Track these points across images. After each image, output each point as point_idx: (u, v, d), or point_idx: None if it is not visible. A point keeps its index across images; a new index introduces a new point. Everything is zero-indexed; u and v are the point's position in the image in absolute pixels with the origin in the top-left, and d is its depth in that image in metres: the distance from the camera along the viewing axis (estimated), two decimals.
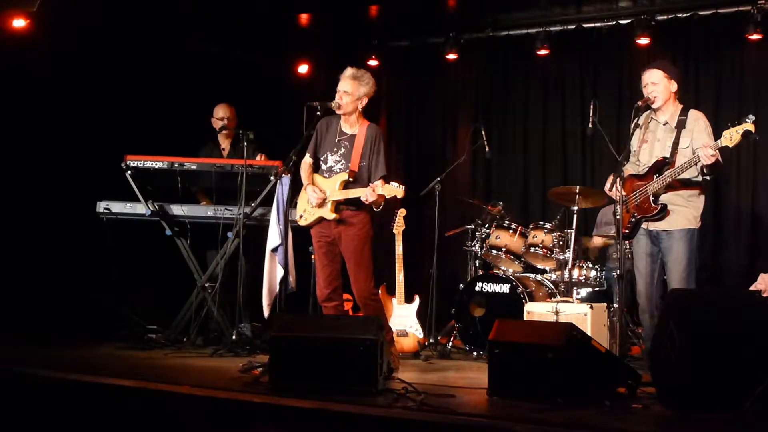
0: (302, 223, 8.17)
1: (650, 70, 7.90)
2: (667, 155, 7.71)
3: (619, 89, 11.53)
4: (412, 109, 13.00)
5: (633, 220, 7.84)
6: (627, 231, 7.91)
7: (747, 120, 7.14)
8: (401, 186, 7.75)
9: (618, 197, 7.72)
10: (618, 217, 7.83)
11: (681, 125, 7.74)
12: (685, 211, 7.70)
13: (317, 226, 8.09)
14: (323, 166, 8.12)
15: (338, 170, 8.01)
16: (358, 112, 8.15)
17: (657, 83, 7.81)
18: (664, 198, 7.69)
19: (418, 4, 11.39)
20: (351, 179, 7.93)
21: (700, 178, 7.64)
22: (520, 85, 12.35)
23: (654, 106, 7.86)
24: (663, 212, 7.66)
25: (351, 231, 7.97)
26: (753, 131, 7.09)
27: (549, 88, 12.13)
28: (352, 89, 8.01)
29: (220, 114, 10.07)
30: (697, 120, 7.74)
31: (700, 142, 7.49)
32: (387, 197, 7.73)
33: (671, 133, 7.78)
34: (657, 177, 7.68)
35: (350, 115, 8.12)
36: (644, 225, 7.82)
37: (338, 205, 7.95)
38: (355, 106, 8.08)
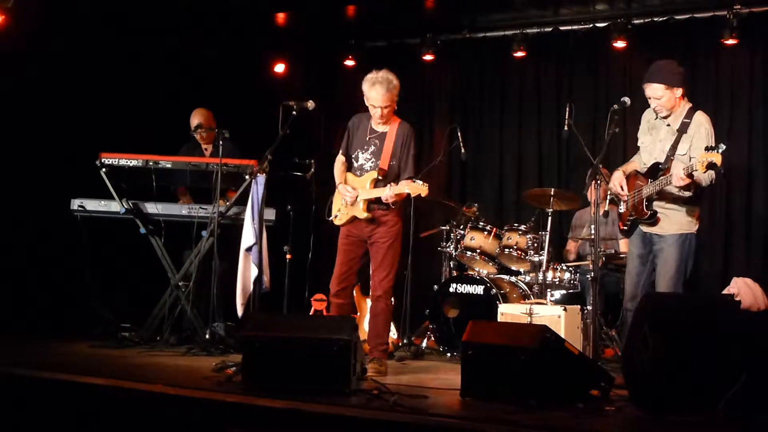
0: (337, 222, 8.23)
1: (651, 84, 7.85)
2: (662, 160, 7.78)
3: (596, 92, 11.57)
4: None
5: (630, 219, 7.99)
6: (625, 228, 8.07)
7: (717, 150, 7.10)
8: (424, 184, 7.78)
9: (593, 199, 7.80)
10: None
11: (683, 129, 7.75)
12: (679, 215, 7.78)
13: (349, 225, 8.12)
14: (355, 164, 8.18)
15: (368, 168, 8.06)
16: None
17: (660, 97, 7.80)
18: (658, 203, 7.77)
19: (394, 5, 11.39)
20: (381, 177, 7.96)
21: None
22: (497, 87, 12.36)
23: (661, 116, 7.89)
24: (653, 218, 7.77)
25: (381, 230, 8.04)
26: (719, 165, 7.07)
27: (525, 90, 12.14)
28: (389, 102, 8.01)
29: (195, 121, 10.03)
30: (700, 126, 7.73)
31: (698, 151, 7.48)
32: (412, 195, 7.77)
33: (672, 136, 7.82)
34: (651, 181, 7.77)
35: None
36: (642, 227, 7.92)
37: (370, 204, 7.98)
38: (392, 111, 8.10)
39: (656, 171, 7.78)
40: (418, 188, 7.72)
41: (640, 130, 8.22)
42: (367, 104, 8.12)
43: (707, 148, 7.21)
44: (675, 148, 7.73)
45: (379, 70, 8.11)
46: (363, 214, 7.99)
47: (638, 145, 8.24)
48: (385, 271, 8.01)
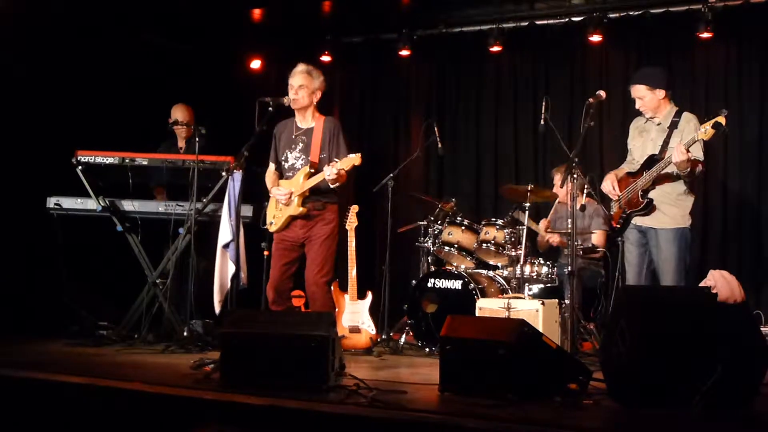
0: (272, 229, 8.39)
1: (634, 85, 8.28)
2: (656, 152, 8.07)
3: (572, 86, 11.58)
4: (364, 106, 12.99)
5: (624, 215, 8.28)
6: (618, 226, 8.37)
7: (721, 113, 7.56)
8: (356, 154, 7.86)
9: (569, 192, 7.95)
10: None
11: (674, 126, 8.09)
12: (673, 210, 8.08)
13: (284, 231, 8.21)
14: (285, 166, 8.28)
15: (300, 166, 8.16)
16: (313, 106, 8.33)
17: (642, 97, 8.21)
18: (652, 194, 8.06)
19: (371, 0, 11.39)
20: (313, 171, 8.01)
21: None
22: (473, 82, 12.35)
23: (648, 117, 8.29)
24: (649, 207, 8.06)
25: (316, 227, 8.20)
26: (723, 124, 7.48)
27: (502, 85, 12.14)
28: (306, 82, 8.20)
29: (177, 115, 10.05)
30: (689, 122, 8.07)
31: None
32: (346, 169, 7.81)
33: (663, 133, 8.14)
34: (646, 172, 8.05)
35: (306, 110, 8.29)
36: (636, 221, 8.20)
37: (305, 199, 8.05)
38: (310, 100, 8.25)
39: (652, 162, 8.08)
40: (349, 160, 7.82)
41: (629, 138, 8.59)
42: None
43: (708, 118, 7.66)
44: (667, 143, 8.05)
45: None
46: (299, 210, 8.13)
47: (629, 148, 8.57)
48: (318, 266, 8.17)
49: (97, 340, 8.97)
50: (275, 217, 8.33)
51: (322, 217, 8.21)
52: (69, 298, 9.40)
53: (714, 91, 10.79)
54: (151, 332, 9.17)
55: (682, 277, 8.03)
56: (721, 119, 7.52)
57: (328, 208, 8.22)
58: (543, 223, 10.33)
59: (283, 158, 8.33)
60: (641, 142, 8.40)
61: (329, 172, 7.87)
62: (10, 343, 8.72)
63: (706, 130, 7.55)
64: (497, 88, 12.17)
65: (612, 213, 8.50)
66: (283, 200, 8.18)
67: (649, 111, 8.26)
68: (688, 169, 7.85)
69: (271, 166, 8.45)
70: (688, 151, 7.66)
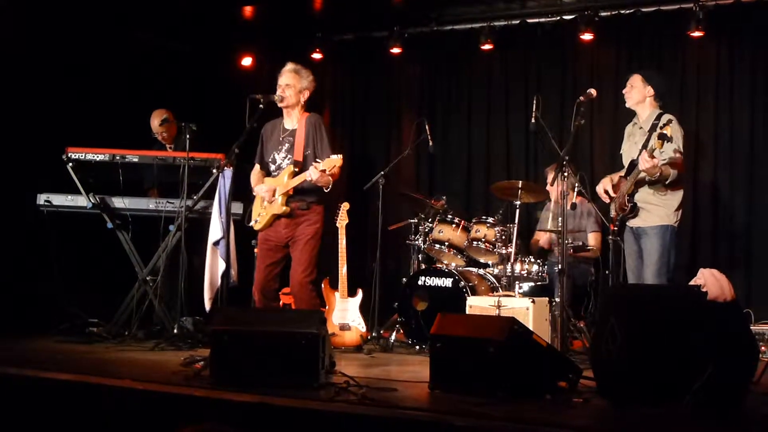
0: (257, 227, 8.40)
1: (633, 74, 8.53)
2: (636, 157, 8.18)
3: (563, 84, 11.56)
4: (356, 103, 12.97)
5: (618, 219, 8.45)
6: (615, 229, 8.49)
7: (668, 124, 7.80)
8: (338, 155, 7.93)
9: (560, 191, 8.00)
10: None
11: (653, 129, 8.17)
12: (658, 210, 8.25)
13: (267, 229, 8.22)
14: (272, 167, 8.29)
15: (286, 166, 8.12)
16: (300, 106, 8.35)
17: (633, 86, 8.43)
18: (638, 197, 8.26)
19: None
20: (297, 169, 8.02)
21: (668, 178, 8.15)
22: (465, 80, 12.33)
23: (627, 105, 8.53)
24: (634, 210, 8.27)
25: (300, 228, 8.22)
26: (668, 134, 7.69)
27: (493, 83, 12.12)
28: (293, 82, 8.22)
29: (156, 120, 10.03)
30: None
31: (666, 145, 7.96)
32: (327, 171, 7.80)
33: (644, 137, 8.27)
34: (629, 177, 8.25)
35: (293, 109, 8.30)
36: (628, 223, 8.40)
37: (288, 199, 8.06)
38: (297, 99, 8.26)
39: (632, 167, 8.23)
40: (331, 162, 7.84)
41: (622, 143, 8.77)
42: None
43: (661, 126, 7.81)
44: (646, 146, 8.12)
45: None
46: (282, 209, 8.16)
47: (620, 153, 8.76)
48: (302, 266, 8.22)
49: (87, 337, 8.97)
50: (260, 215, 8.35)
51: (306, 217, 8.25)
52: (59, 295, 9.38)
53: (705, 90, 10.79)
54: (142, 329, 9.18)
55: (663, 273, 8.13)
56: (666, 129, 7.69)
57: (312, 209, 8.27)
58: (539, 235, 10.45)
59: (270, 159, 8.38)
60: (628, 147, 8.58)
61: (310, 174, 7.89)
62: (1, 339, 8.70)
63: (658, 139, 7.73)
64: (488, 86, 12.16)
65: (611, 216, 8.61)
66: (266, 197, 8.21)
67: (632, 100, 8.46)
68: (658, 174, 7.99)
69: (256, 167, 8.47)
70: (653, 156, 7.81)
